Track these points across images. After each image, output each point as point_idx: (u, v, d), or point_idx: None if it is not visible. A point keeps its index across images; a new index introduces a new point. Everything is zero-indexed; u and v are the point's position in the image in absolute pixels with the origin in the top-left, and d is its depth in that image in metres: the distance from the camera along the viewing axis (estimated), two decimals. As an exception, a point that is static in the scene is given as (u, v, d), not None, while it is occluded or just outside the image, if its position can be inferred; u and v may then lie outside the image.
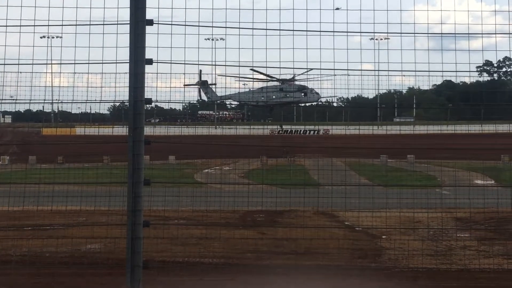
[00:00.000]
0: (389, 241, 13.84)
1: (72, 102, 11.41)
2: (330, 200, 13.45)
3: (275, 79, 65.99)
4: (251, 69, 16.27)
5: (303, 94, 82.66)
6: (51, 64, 11.47)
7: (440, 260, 12.28)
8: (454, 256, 12.72)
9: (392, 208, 15.23)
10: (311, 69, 10.73)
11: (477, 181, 27.74)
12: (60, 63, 10.66)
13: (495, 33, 10.84)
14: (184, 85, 13.89)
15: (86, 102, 10.97)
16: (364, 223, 15.04)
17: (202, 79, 52.03)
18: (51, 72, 12.05)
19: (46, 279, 10.49)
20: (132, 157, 8.01)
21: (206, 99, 73.77)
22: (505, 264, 11.88)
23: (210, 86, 64.22)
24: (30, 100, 11.21)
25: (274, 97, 79.53)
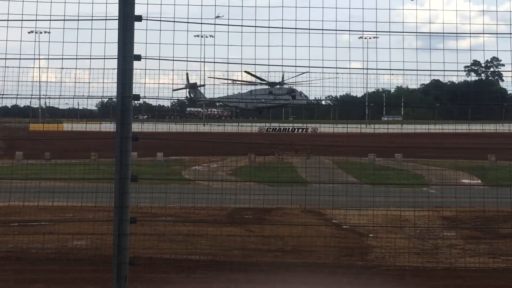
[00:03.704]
0: (376, 239, 13.89)
1: (59, 98, 11.33)
2: (318, 198, 13.49)
3: (265, 81, 65.90)
4: (245, 71, 16.23)
5: (291, 97, 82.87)
6: (39, 59, 11.39)
7: (426, 259, 12.34)
8: (440, 255, 12.78)
9: (379, 207, 15.30)
10: (304, 71, 10.69)
11: (463, 181, 27.88)
12: (48, 58, 10.59)
13: (483, 33, 10.89)
14: (173, 90, 13.88)
15: (73, 98, 10.90)
16: (351, 221, 15.09)
17: (191, 81, 51.72)
18: (39, 67, 11.96)
19: (32, 275, 10.44)
20: (119, 154, 7.96)
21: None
22: (490, 263, 11.96)
23: (199, 89, 63.87)
24: (17, 95, 11.12)
25: (263, 100, 79.70)
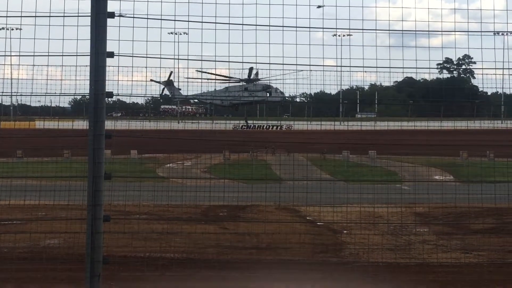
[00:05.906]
0: (350, 236, 13.97)
1: (31, 95, 11.22)
2: (292, 195, 13.52)
3: (237, 79, 65.90)
4: (196, 71, 16.10)
5: (267, 93, 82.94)
6: (10, 56, 11.24)
7: (400, 255, 12.45)
8: (413, 251, 12.91)
9: (353, 203, 15.39)
10: (292, 66, 10.62)
11: (436, 177, 28.18)
12: (19, 55, 10.47)
13: (455, 31, 11.01)
14: (150, 79, 13.75)
15: (45, 95, 10.80)
16: (325, 218, 15.15)
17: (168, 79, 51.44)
18: (10, 64, 11.83)
19: (4, 275, 10.31)
20: (92, 151, 7.91)
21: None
22: (462, 258, 12.11)
23: (176, 87, 63.40)
24: (-13, 92, 10.98)
25: (238, 96, 79.48)
